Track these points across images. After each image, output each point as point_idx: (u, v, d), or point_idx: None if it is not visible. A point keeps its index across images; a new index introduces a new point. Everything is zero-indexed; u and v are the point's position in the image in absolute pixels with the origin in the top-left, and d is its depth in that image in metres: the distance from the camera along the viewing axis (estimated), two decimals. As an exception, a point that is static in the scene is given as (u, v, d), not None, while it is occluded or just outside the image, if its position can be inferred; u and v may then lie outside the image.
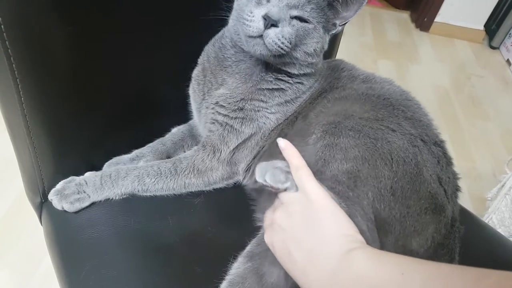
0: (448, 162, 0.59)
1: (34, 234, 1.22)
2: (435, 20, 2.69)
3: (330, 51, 0.84)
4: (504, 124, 2.08)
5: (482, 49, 2.73)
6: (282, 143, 0.54)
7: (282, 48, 0.57)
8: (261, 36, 0.57)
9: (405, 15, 2.93)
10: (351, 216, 0.47)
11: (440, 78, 2.39)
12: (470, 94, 2.31)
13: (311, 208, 0.47)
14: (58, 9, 0.55)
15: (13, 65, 0.53)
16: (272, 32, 0.56)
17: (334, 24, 0.64)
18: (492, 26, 2.72)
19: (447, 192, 0.55)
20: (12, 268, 1.16)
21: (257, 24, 0.56)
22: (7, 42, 0.50)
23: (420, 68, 2.47)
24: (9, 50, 0.51)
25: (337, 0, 0.61)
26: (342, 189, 0.51)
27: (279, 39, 0.57)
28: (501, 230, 0.98)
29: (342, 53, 2.66)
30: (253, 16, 0.57)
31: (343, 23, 0.64)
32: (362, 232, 0.47)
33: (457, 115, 2.13)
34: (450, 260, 0.56)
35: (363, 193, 0.50)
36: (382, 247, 0.51)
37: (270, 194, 0.55)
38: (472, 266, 0.39)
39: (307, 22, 0.60)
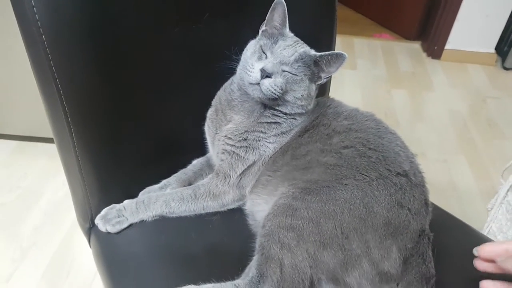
0: (413, 184, 0.69)
1: (83, 264, 1.39)
2: (446, 47, 2.80)
3: (322, 90, 0.99)
4: (522, 141, 2.13)
5: (495, 71, 2.80)
6: None
7: (274, 93, 0.73)
8: (258, 84, 0.73)
9: (416, 45, 3.05)
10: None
11: (455, 103, 2.46)
12: (486, 116, 2.36)
13: None
14: (102, 74, 0.74)
15: (69, 119, 0.70)
16: (266, 82, 0.73)
17: (320, 77, 0.78)
18: (504, 48, 2.79)
19: (411, 210, 0.66)
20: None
21: (256, 74, 0.73)
22: (64, 102, 0.68)
23: (434, 95, 2.55)
24: (66, 108, 0.69)
25: (321, 60, 0.76)
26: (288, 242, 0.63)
27: (272, 87, 0.73)
28: (500, 237, 1.05)
29: (356, 86, 2.83)
30: (253, 68, 0.74)
31: (327, 76, 0.78)
32: None
33: (473, 138, 2.18)
34: (423, 262, 0.66)
35: (303, 249, 0.62)
36: (359, 281, 0.63)
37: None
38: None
39: (295, 75, 0.75)
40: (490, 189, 1.86)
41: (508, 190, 1.03)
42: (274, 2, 0.76)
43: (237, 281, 0.65)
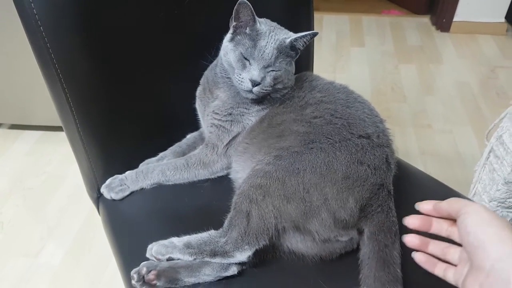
0: (375, 145, 0.76)
1: (103, 241, 1.51)
2: (454, 19, 2.78)
3: (306, 64, 1.06)
4: (530, 110, 2.12)
5: (506, 40, 2.76)
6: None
7: (266, 92, 0.82)
8: (250, 91, 0.81)
9: (425, 20, 3.03)
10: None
11: (463, 75, 2.46)
12: (494, 86, 2.36)
13: None
14: (96, 59, 0.83)
15: (69, 99, 0.81)
16: (257, 88, 0.81)
17: (297, 53, 0.85)
18: (516, 16, 2.75)
19: (371, 166, 0.73)
20: (87, 269, 1.45)
21: (247, 84, 0.81)
22: (64, 85, 0.79)
23: (442, 68, 2.55)
24: (66, 90, 0.79)
25: (296, 43, 0.82)
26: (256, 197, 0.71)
27: (263, 90, 0.81)
28: (484, 197, 1.09)
29: (363, 63, 2.87)
30: (243, 78, 0.81)
31: (302, 49, 0.85)
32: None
33: (480, 108, 2.19)
34: (382, 211, 0.72)
35: (269, 203, 0.70)
36: (318, 228, 0.70)
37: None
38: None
39: (279, 70, 0.82)
40: (495, 157, 1.88)
41: (490, 151, 1.07)
42: (238, 3, 0.78)
43: (211, 231, 0.74)
